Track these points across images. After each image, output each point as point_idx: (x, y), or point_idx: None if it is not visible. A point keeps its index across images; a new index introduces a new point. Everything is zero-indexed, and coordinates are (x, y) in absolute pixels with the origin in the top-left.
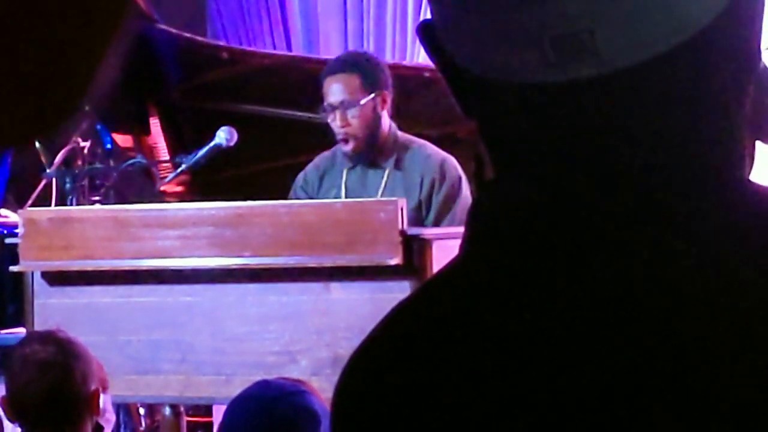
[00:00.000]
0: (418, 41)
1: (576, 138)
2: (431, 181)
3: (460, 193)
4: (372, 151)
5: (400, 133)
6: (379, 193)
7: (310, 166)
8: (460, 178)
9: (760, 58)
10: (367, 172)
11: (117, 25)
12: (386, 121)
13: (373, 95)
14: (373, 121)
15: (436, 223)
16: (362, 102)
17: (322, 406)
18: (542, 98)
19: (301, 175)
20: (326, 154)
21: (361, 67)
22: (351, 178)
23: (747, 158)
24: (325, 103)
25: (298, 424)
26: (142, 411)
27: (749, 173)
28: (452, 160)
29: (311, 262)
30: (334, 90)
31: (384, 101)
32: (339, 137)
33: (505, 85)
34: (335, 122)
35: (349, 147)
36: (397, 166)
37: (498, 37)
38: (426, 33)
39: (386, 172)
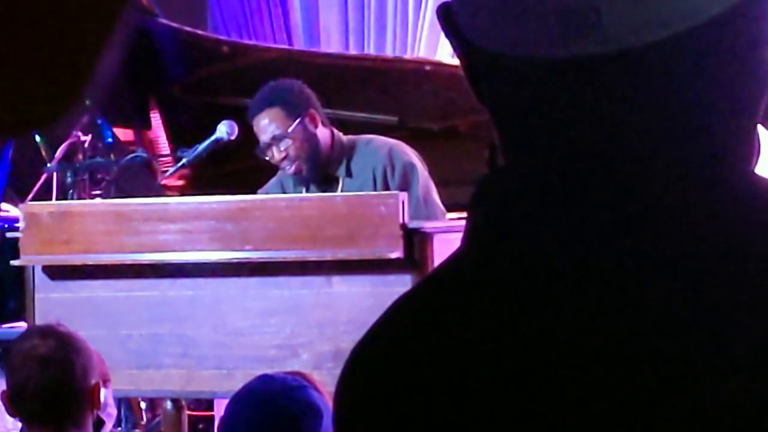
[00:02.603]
0: (418, 35)
1: (580, 118)
2: (383, 170)
3: (414, 174)
4: (319, 168)
5: (345, 138)
6: None
7: (273, 180)
8: (410, 162)
9: None
10: (323, 187)
11: (117, 17)
12: (324, 135)
13: (299, 119)
14: (309, 141)
15: None
16: (290, 130)
17: (324, 401)
18: (549, 75)
19: (263, 189)
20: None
21: (278, 98)
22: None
23: (755, 151)
24: (260, 144)
25: (301, 419)
26: (143, 405)
27: (755, 165)
28: (400, 146)
29: (312, 255)
30: (262, 129)
31: (313, 119)
32: (283, 167)
33: (514, 60)
34: (274, 158)
35: (292, 170)
36: (349, 173)
37: (508, 10)
38: (444, 14)
39: (340, 182)
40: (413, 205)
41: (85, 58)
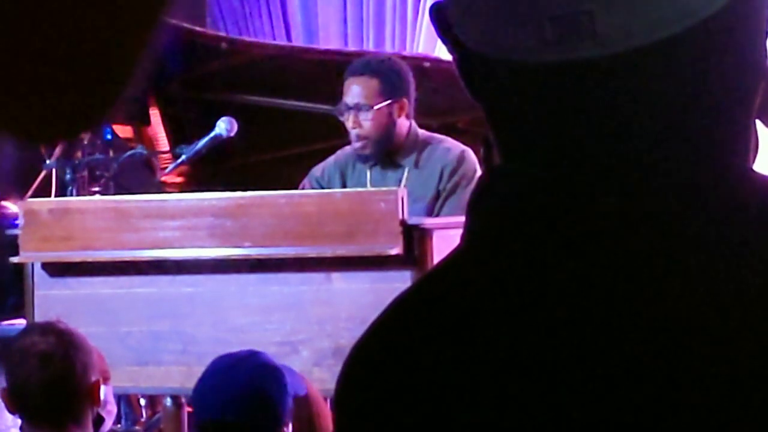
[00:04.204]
0: (417, 31)
1: (575, 121)
2: (451, 170)
3: (471, 183)
4: (383, 153)
5: (421, 132)
6: None
7: (329, 161)
8: (475, 169)
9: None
10: (386, 172)
11: (155, 20)
12: (403, 125)
13: (389, 101)
14: (386, 126)
15: (442, 205)
16: (376, 107)
17: (281, 364)
18: (543, 78)
19: (317, 169)
20: (348, 150)
21: (383, 72)
22: (374, 176)
23: (753, 147)
24: (342, 102)
25: (263, 382)
26: (143, 402)
27: (753, 161)
28: (471, 153)
29: (312, 252)
30: (353, 91)
31: (402, 108)
32: (351, 136)
33: (509, 64)
34: (348, 123)
35: (357, 146)
36: (417, 164)
37: (501, 15)
38: (437, 14)
39: (405, 170)
40: (451, 211)
41: (122, 63)
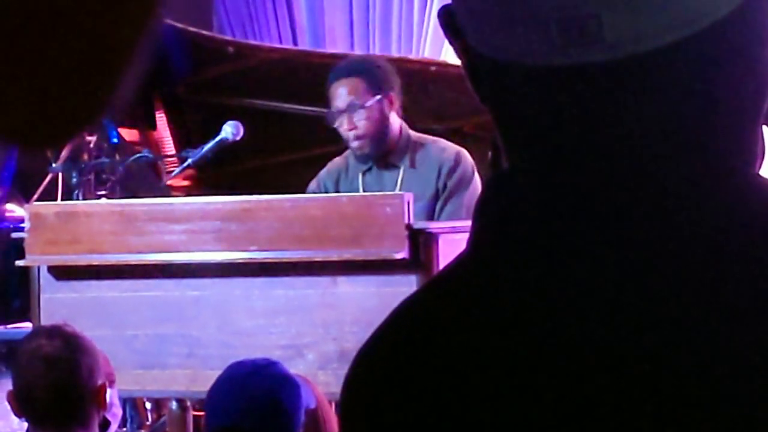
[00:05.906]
0: (423, 35)
1: (582, 125)
2: (448, 169)
3: (472, 183)
4: (382, 152)
5: (413, 133)
6: (396, 190)
7: (322, 174)
8: (473, 170)
9: None
10: (382, 173)
11: (147, 23)
12: (395, 122)
13: (378, 97)
14: (381, 122)
15: (443, 206)
16: (368, 104)
17: (297, 375)
18: (550, 82)
19: (313, 183)
20: (338, 160)
21: (364, 70)
22: (367, 180)
23: (759, 152)
24: (332, 109)
25: (280, 392)
26: (148, 405)
27: (760, 167)
28: (467, 153)
29: (318, 256)
30: (340, 94)
31: (391, 102)
32: (348, 140)
33: (516, 67)
34: (343, 127)
35: (356, 146)
36: (412, 164)
37: (508, 18)
38: (446, 17)
39: (401, 170)
40: (454, 211)
41: (115, 65)
